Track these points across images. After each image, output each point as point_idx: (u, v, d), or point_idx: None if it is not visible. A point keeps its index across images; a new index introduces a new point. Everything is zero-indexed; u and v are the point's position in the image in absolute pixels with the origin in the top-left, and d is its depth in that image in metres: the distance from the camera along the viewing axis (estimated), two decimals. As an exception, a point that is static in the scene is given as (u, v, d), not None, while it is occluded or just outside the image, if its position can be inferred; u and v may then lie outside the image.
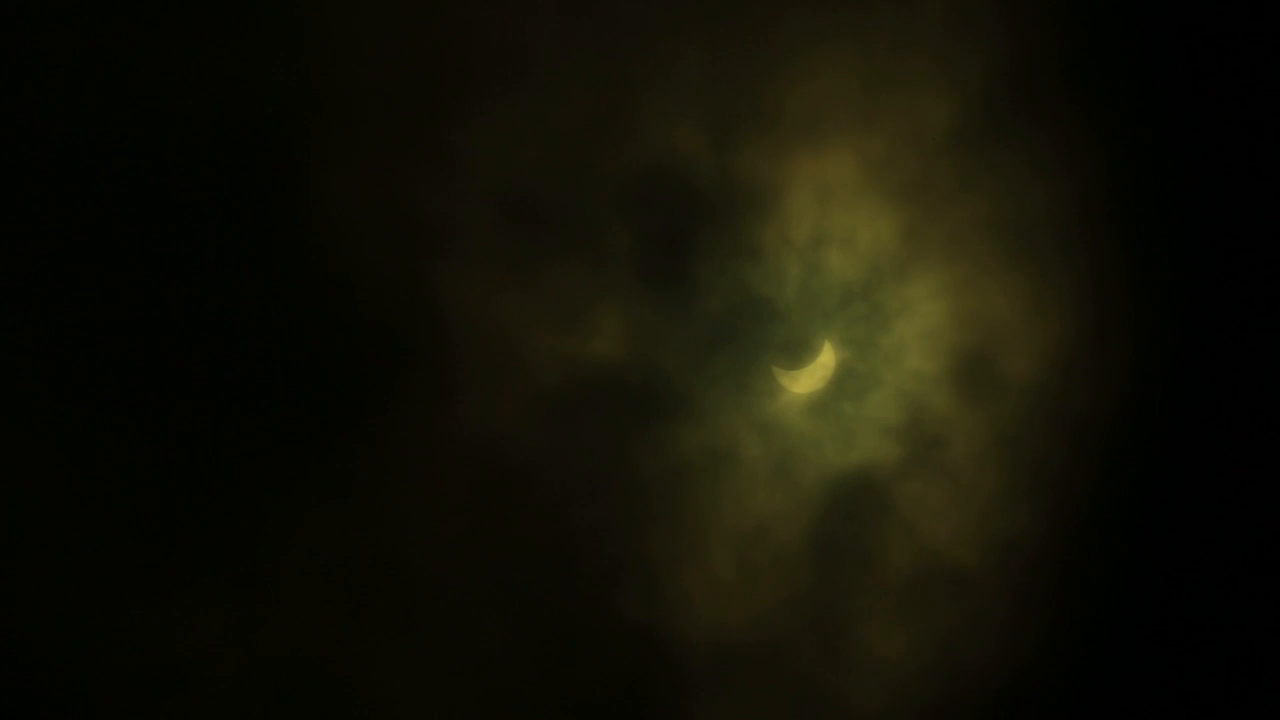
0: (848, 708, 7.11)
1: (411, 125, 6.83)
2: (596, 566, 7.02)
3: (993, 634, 7.14)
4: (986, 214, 6.81)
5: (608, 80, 6.70)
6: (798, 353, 6.81)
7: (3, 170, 6.25)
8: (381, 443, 6.81)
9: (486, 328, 6.80)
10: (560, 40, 6.69)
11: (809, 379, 6.87)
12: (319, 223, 6.71)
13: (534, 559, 7.00)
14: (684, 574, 7.04)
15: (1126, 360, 7.02)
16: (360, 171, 6.73)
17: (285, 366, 6.71)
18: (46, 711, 6.49)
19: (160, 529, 6.64)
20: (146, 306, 6.68)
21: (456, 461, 6.84)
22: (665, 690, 7.08)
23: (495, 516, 6.96)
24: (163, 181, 6.41)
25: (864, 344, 6.90)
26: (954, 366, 6.96)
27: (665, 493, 6.95)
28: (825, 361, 6.87)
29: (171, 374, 6.60)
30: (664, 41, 6.62)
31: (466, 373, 6.83)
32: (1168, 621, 7.17)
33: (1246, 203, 7.00)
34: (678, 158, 6.72)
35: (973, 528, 7.07)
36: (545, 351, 6.82)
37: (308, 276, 6.79)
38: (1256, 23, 6.95)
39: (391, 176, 6.78)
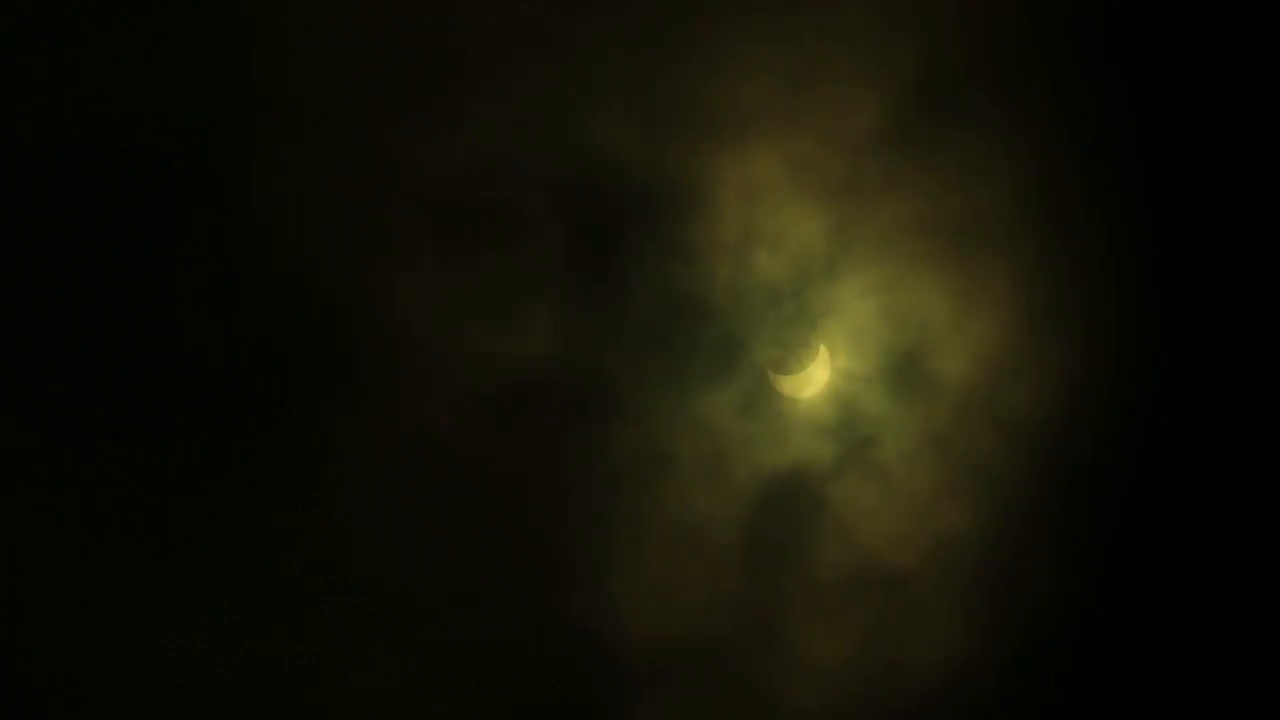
0: (784, 706, 7.10)
1: (348, 127, 6.94)
2: (532, 567, 7.05)
3: (930, 634, 7.13)
4: (915, 213, 6.85)
5: (539, 82, 6.79)
6: (791, 358, 6.85)
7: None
8: (315, 443, 6.88)
9: (419, 329, 6.87)
10: (493, 43, 6.79)
11: (804, 384, 6.91)
12: (255, 223, 6.81)
13: (471, 561, 7.03)
14: (619, 574, 7.06)
15: (1061, 359, 7.03)
16: (295, 172, 6.83)
17: (219, 367, 6.80)
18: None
19: (99, 534, 6.72)
20: (91, 308, 6.79)
21: (390, 463, 6.89)
22: (604, 691, 7.09)
23: (431, 519, 7.00)
24: (103, 180, 6.53)
25: (795, 343, 6.93)
26: (885, 366, 6.99)
27: (599, 492, 6.99)
28: (821, 365, 6.91)
29: (108, 377, 6.70)
30: (594, 43, 6.71)
31: (400, 375, 6.89)
32: (1107, 620, 7.14)
33: (1183, 198, 7.02)
34: (608, 159, 6.80)
35: (907, 527, 7.07)
36: (478, 352, 6.88)
37: (243, 278, 6.89)
38: (1188, 18, 6.99)
39: (326, 177, 6.88)
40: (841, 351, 6.94)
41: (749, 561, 7.07)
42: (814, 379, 6.94)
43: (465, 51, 6.73)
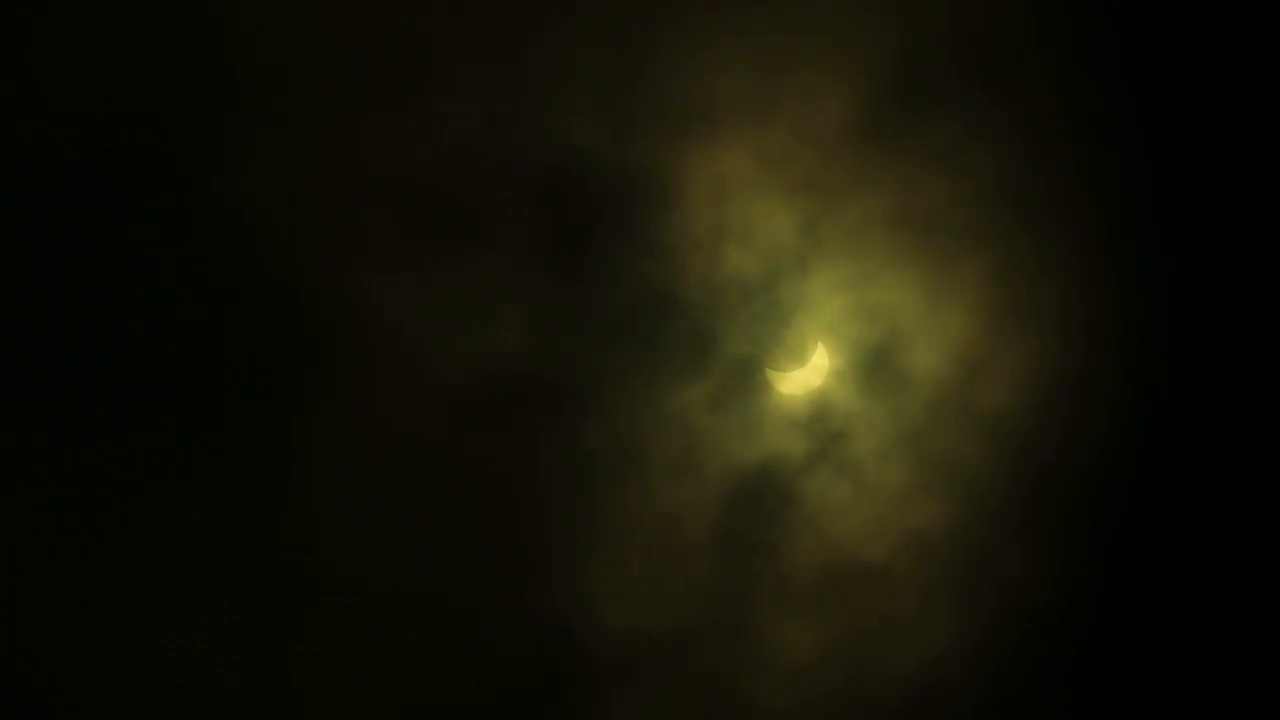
0: (755, 700, 7.11)
1: (323, 124, 6.95)
2: (504, 562, 7.06)
3: (901, 628, 7.13)
4: (886, 209, 6.87)
5: (509, 77, 6.81)
6: (790, 355, 6.86)
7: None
8: (284, 441, 6.89)
9: (394, 325, 6.88)
10: (462, 38, 6.81)
11: (803, 381, 6.92)
12: (224, 219, 6.83)
13: (444, 555, 7.04)
14: (591, 569, 7.07)
15: (1031, 354, 7.03)
16: (269, 169, 6.85)
17: (189, 365, 6.81)
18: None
19: (63, 531, 6.73)
20: (56, 308, 6.80)
21: (362, 459, 6.91)
22: (575, 685, 7.09)
23: (405, 513, 7.01)
24: (64, 176, 6.54)
25: (766, 339, 6.94)
26: (856, 361, 7.00)
27: (571, 487, 7.00)
28: (819, 363, 6.92)
29: (72, 375, 6.71)
30: (563, 37, 6.73)
31: (374, 371, 6.91)
32: (1078, 614, 7.14)
33: (1155, 193, 7.02)
34: (578, 153, 6.81)
35: (879, 522, 7.07)
36: (453, 347, 6.90)
37: (220, 275, 6.90)
38: (1159, 13, 7.00)
39: (301, 174, 6.90)
40: (814, 346, 6.95)
41: (721, 556, 7.08)
42: (811, 376, 6.94)
43: (438, 50, 6.75)
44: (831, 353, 6.96)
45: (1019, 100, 6.89)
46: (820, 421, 7.02)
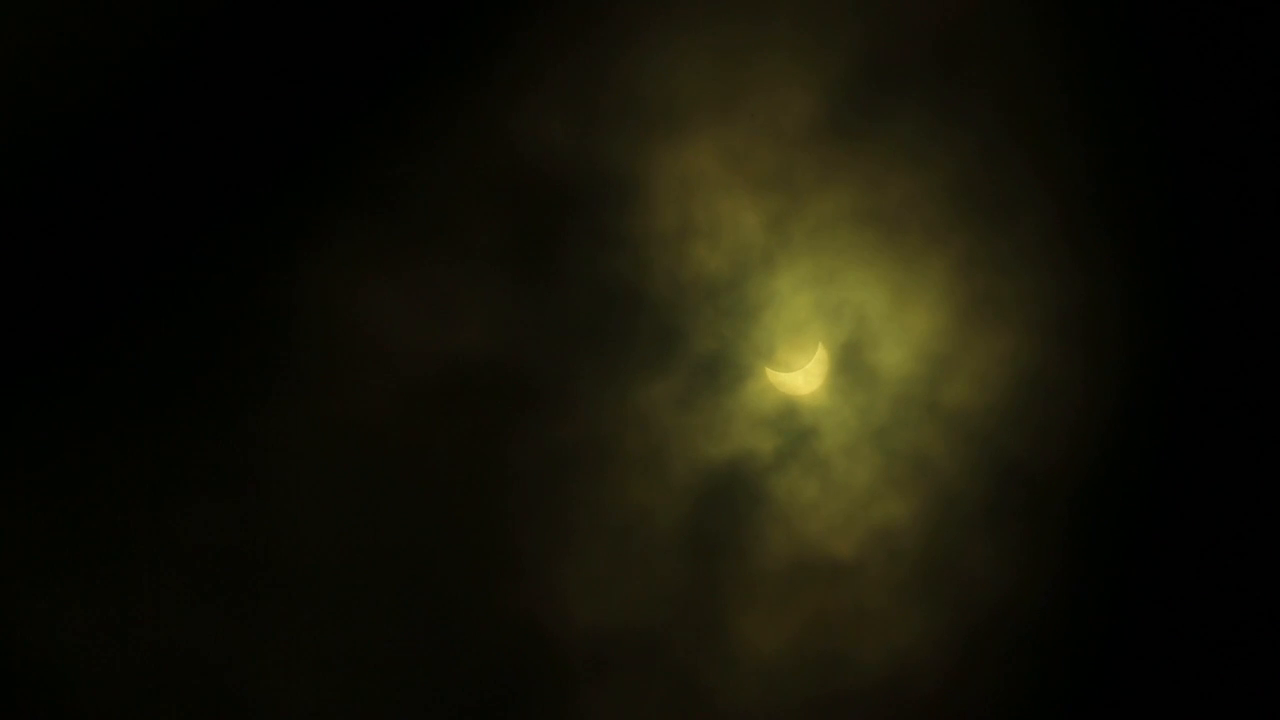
0: (724, 697, 7.11)
1: (276, 121, 6.94)
2: (470, 561, 7.05)
3: (870, 625, 7.13)
4: (852, 204, 6.85)
5: (471, 74, 6.79)
6: (789, 354, 6.85)
7: None
8: (250, 437, 6.88)
9: (356, 322, 6.87)
10: (424, 34, 6.79)
11: (803, 381, 6.91)
12: (185, 216, 6.81)
13: (409, 554, 7.03)
14: (559, 567, 7.06)
15: (999, 350, 7.02)
16: (222, 165, 6.84)
17: (149, 360, 6.80)
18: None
19: (21, 524, 6.72)
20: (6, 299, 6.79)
21: (326, 456, 6.89)
22: (544, 684, 7.09)
23: (369, 512, 7.00)
24: (14, 172, 6.53)
25: (733, 336, 6.93)
26: (823, 358, 6.98)
27: (537, 485, 6.99)
28: (818, 362, 6.91)
29: (29, 367, 6.70)
30: (526, 34, 6.71)
31: (337, 368, 6.89)
32: (1048, 610, 7.14)
33: (1122, 186, 7.01)
34: (542, 149, 6.79)
35: (847, 519, 7.07)
36: (415, 345, 6.88)
37: (178, 271, 6.89)
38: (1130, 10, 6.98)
39: (252, 170, 6.88)
40: (780, 344, 6.94)
41: (689, 553, 7.07)
42: (811, 377, 6.94)
43: (398, 44, 6.73)
44: (798, 349, 6.95)
45: (986, 95, 6.88)
46: (788, 419, 7.01)
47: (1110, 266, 6.95)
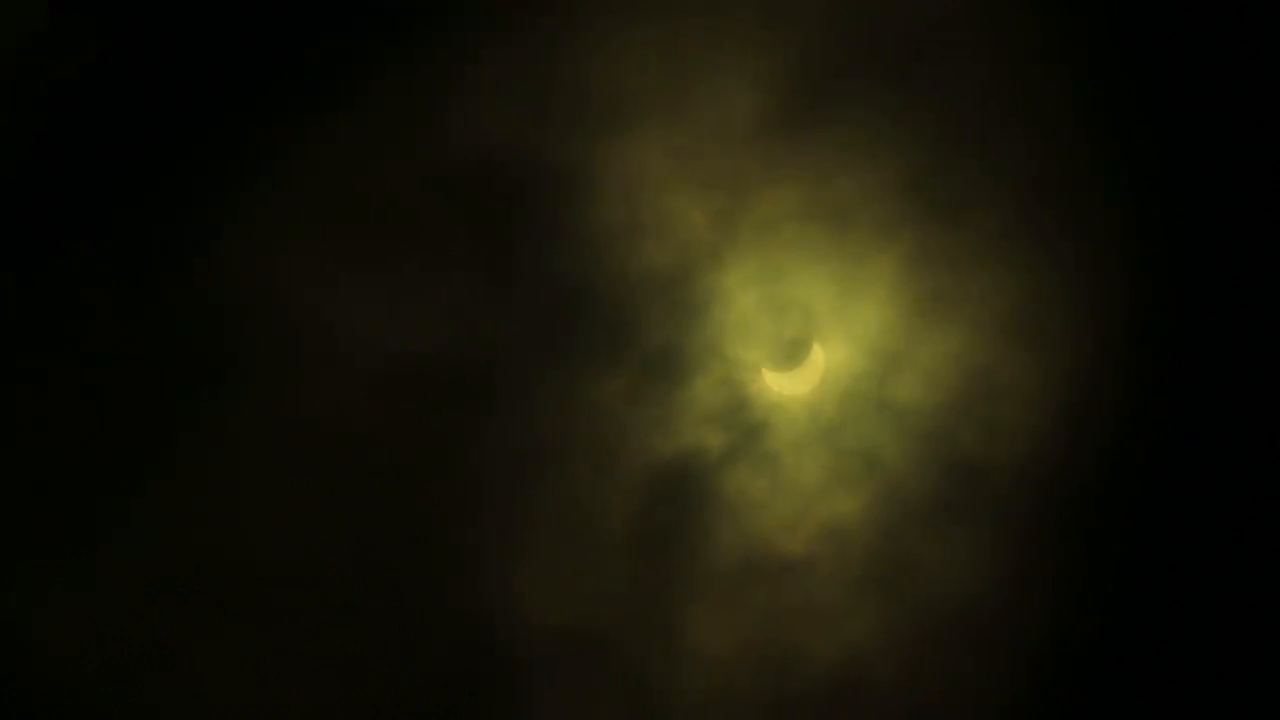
0: (676, 694, 7.10)
1: (238, 124, 6.99)
2: (422, 556, 7.06)
3: (822, 622, 7.12)
4: (800, 200, 6.87)
5: (421, 75, 6.84)
6: (788, 355, 6.87)
7: None
8: (207, 434, 6.91)
9: (307, 318, 6.90)
10: (375, 36, 6.84)
11: (800, 381, 6.93)
12: (148, 215, 6.86)
13: (361, 550, 7.05)
14: (509, 563, 7.07)
15: (948, 345, 7.04)
16: (186, 164, 6.89)
17: (109, 358, 6.83)
18: None
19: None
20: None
21: (278, 453, 6.92)
22: (494, 679, 7.09)
23: (320, 508, 7.02)
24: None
25: (682, 332, 6.95)
26: (772, 354, 7.00)
27: (487, 481, 7.00)
28: (816, 362, 6.93)
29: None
30: (473, 33, 6.76)
31: (289, 364, 6.92)
32: (1000, 605, 7.13)
33: (1073, 180, 7.04)
34: (492, 147, 6.84)
35: (797, 515, 7.07)
36: (364, 341, 6.92)
37: (136, 270, 6.93)
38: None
39: (216, 169, 6.94)
40: (728, 339, 6.96)
41: (639, 549, 7.08)
42: (807, 376, 6.95)
43: (347, 41, 6.79)
44: (747, 345, 6.96)
45: (934, 92, 6.91)
46: (737, 414, 7.02)
47: (1059, 264, 6.97)
